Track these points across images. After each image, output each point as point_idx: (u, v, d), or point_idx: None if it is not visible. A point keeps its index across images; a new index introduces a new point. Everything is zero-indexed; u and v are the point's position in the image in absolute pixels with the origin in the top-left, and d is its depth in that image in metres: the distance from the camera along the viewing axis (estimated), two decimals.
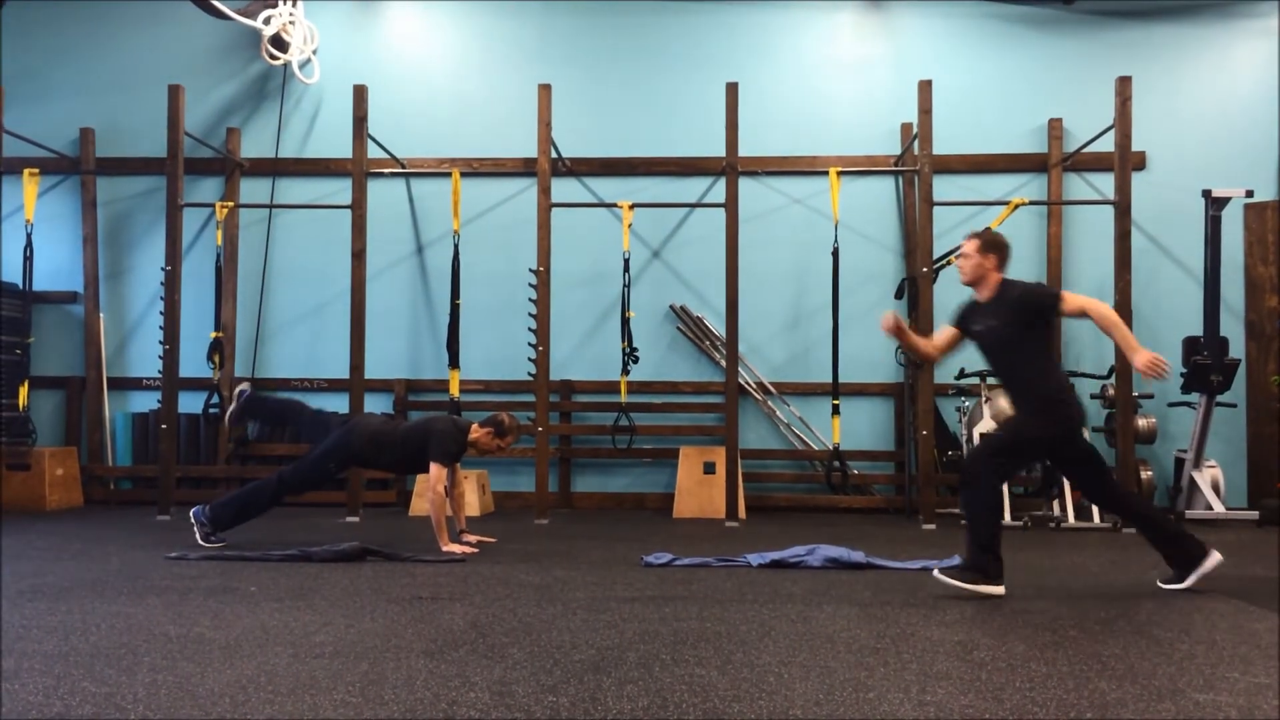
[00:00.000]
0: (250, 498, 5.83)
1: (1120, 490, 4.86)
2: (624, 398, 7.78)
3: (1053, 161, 8.36)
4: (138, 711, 2.63)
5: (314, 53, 8.78)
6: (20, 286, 8.14)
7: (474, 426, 5.83)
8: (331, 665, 3.11)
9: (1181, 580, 4.53)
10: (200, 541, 5.68)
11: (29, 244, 8.05)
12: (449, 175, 8.21)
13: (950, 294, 8.19)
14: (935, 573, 4.49)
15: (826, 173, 7.84)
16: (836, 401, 7.60)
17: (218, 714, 2.61)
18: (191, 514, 5.77)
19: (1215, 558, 4.50)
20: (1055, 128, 8.39)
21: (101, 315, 8.73)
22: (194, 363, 8.20)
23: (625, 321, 7.74)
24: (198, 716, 2.59)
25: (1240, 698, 2.84)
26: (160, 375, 7.75)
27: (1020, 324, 4.59)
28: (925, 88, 7.37)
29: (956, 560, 4.87)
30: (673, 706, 2.70)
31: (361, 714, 2.61)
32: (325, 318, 8.69)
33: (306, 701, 2.72)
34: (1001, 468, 4.58)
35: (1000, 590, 4.38)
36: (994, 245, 4.78)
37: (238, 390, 6.08)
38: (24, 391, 8.05)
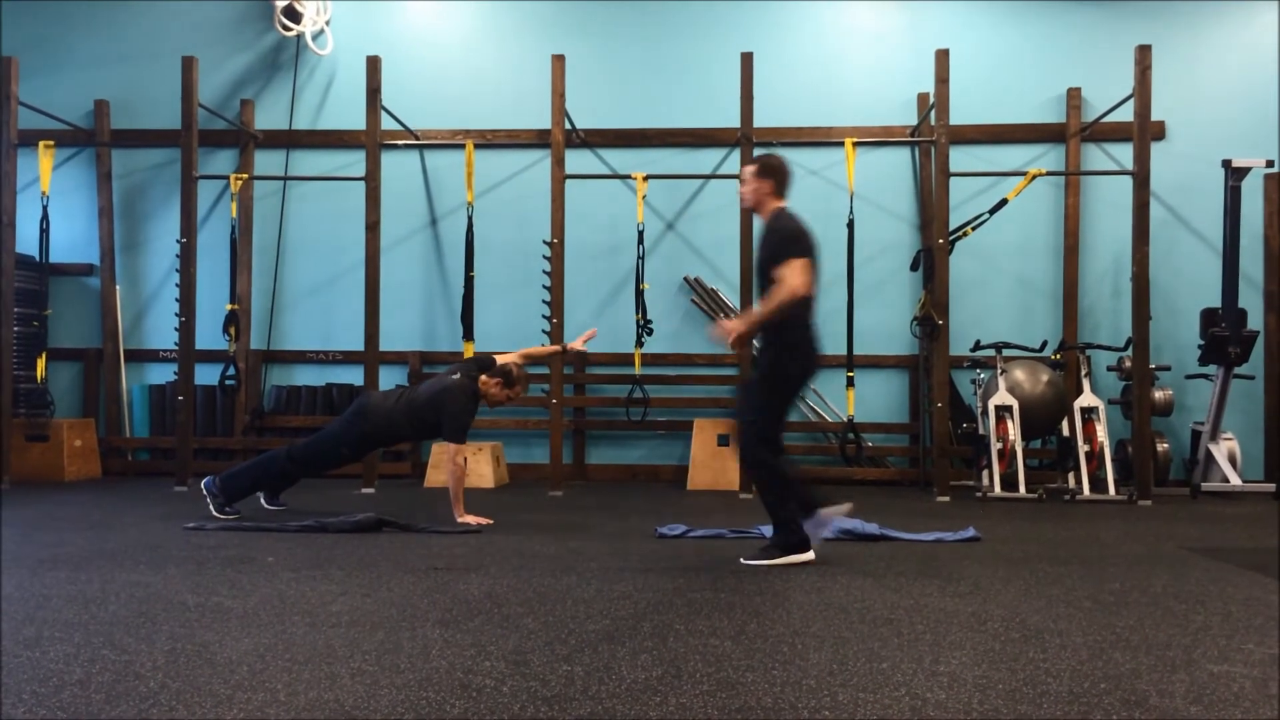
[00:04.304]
0: (260, 470, 5.87)
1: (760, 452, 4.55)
2: (638, 370, 7.79)
3: (1071, 131, 8.28)
4: (156, 679, 2.65)
5: (327, 24, 8.75)
6: (37, 259, 8.17)
7: (483, 380, 5.83)
8: (348, 634, 3.13)
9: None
10: (214, 513, 5.71)
11: (45, 216, 8.08)
12: (463, 147, 8.19)
13: (967, 266, 8.18)
14: (742, 561, 4.46)
15: (842, 143, 7.79)
16: (851, 373, 7.58)
17: (235, 682, 2.63)
18: (203, 485, 5.79)
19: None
20: (1074, 97, 8.31)
21: (118, 287, 8.77)
22: (210, 335, 8.23)
23: (639, 293, 7.73)
24: (216, 684, 2.61)
25: (1255, 669, 2.83)
26: (177, 347, 7.79)
27: (771, 262, 4.45)
28: (942, 57, 7.29)
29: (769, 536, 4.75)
30: (686, 676, 2.71)
31: (378, 683, 2.63)
32: (340, 290, 8.71)
33: (324, 670, 2.74)
34: (774, 440, 4.54)
35: (810, 556, 4.43)
36: (770, 169, 4.61)
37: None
38: (42, 363, 8.11)
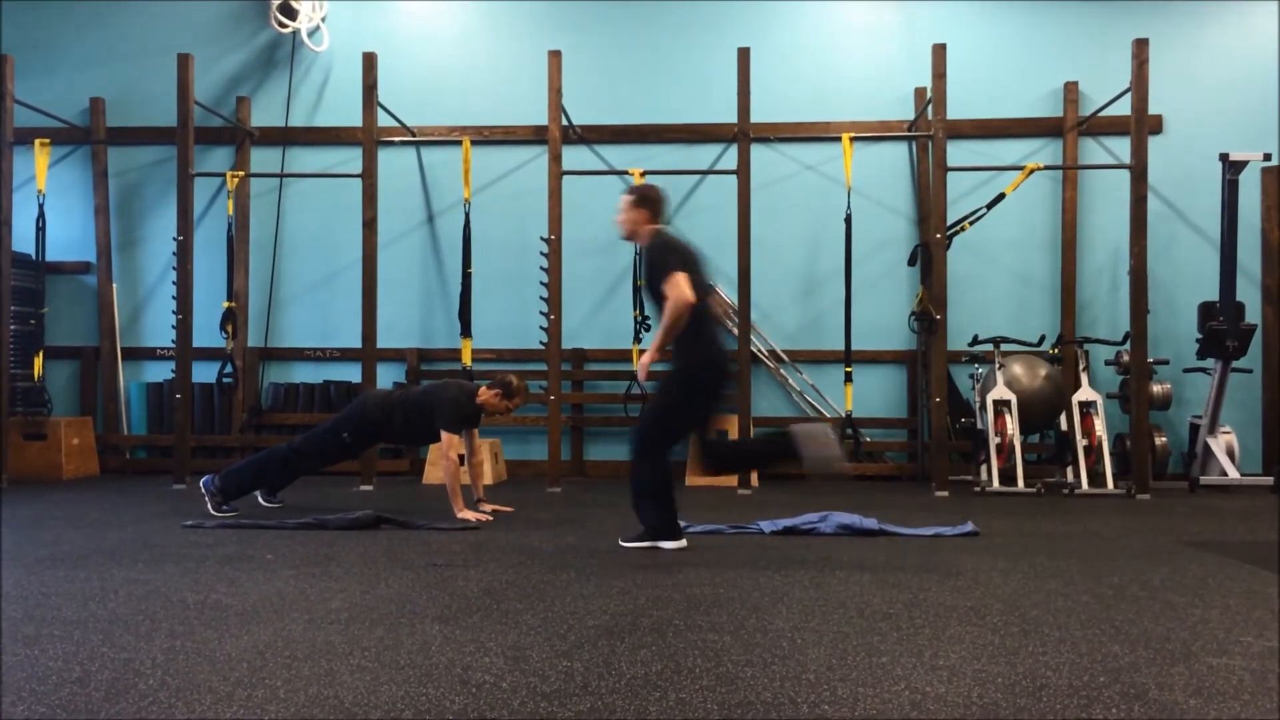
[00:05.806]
0: (260, 466, 5.88)
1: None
2: (636, 366, 7.77)
3: (1068, 125, 8.27)
4: (156, 677, 2.65)
5: (323, 20, 8.73)
6: (33, 257, 8.16)
7: (482, 389, 5.87)
8: (347, 631, 3.13)
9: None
10: (212, 511, 5.71)
11: (41, 214, 8.06)
12: (459, 143, 8.17)
13: (965, 261, 8.17)
14: (620, 542, 4.78)
15: (839, 138, 7.79)
16: (849, 369, 7.59)
17: (235, 679, 2.63)
18: (202, 484, 5.81)
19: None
20: (1071, 91, 8.30)
21: (115, 285, 8.76)
22: (207, 332, 8.23)
23: (637, 289, 7.72)
24: (215, 682, 2.61)
25: (1254, 661, 2.83)
26: (174, 345, 7.78)
27: (653, 282, 4.66)
28: (939, 51, 7.28)
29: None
30: (686, 671, 2.71)
31: (377, 679, 2.63)
32: (337, 287, 8.69)
33: (323, 667, 2.74)
34: (664, 438, 4.79)
35: (683, 543, 4.71)
36: (645, 199, 4.85)
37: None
38: (39, 362, 8.10)
